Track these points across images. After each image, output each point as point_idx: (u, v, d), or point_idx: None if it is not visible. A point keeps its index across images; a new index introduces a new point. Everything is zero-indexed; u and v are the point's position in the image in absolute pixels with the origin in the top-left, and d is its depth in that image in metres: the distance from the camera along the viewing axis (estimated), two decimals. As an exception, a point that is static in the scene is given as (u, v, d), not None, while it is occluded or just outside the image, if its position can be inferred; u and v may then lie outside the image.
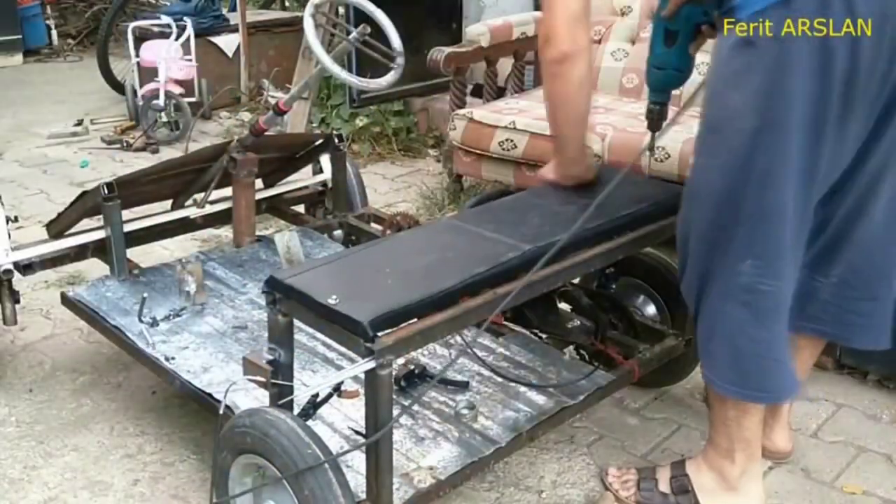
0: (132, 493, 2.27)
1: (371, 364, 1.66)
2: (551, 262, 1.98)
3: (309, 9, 2.44)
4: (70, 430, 2.52)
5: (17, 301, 2.69)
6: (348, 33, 2.54)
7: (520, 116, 3.79)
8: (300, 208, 3.30)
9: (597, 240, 2.10)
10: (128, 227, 2.73)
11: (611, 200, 2.26)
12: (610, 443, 2.45)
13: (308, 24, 2.43)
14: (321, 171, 3.25)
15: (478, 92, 4.43)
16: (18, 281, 2.67)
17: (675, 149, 3.37)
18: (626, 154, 3.49)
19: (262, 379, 1.83)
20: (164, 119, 5.10)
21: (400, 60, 2.55)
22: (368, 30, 2.52)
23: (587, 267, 2.13)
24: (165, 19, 5.40)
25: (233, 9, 6.27)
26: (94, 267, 2.97)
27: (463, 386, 2.27)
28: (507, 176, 3.87)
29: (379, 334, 1.67)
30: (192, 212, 2.96)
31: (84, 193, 2.70)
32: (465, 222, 2.14)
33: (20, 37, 7.14)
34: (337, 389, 1.88)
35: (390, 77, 2.57)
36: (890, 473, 2.35)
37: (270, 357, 1.85)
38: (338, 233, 3.09)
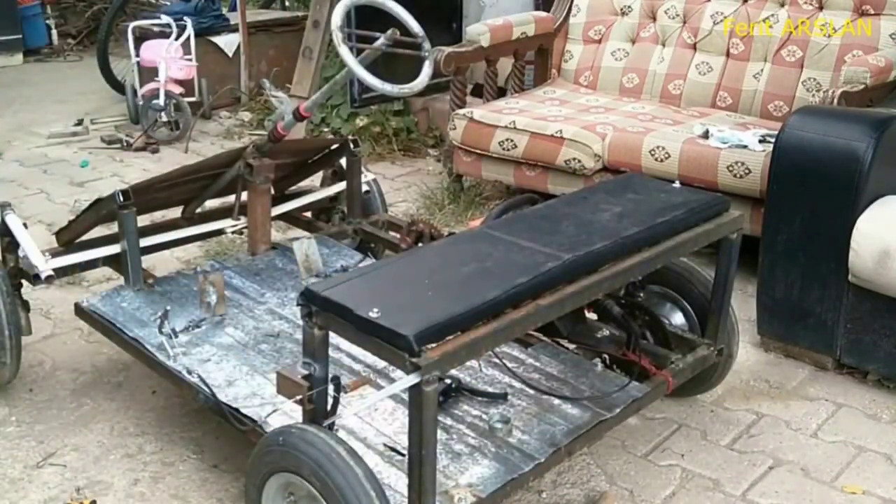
0: (132, 493, 2.27)
1: (416, 379, 1.62)
2: (592, 272, 1.95)
3: (337, 35, 2.35)
4: (70, 430, 2.51)
5: (28, 309, 2.70)
6: (373, 40, 2.50)
7: (520, 116, 3.79)
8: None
9: (637, 248, 2.06)
10: (151, 241, 2.73)
11: (645, 208, 2.21)
12: (610, 443, 2.45)
13: (343, 50, 2.34)
14: (333, 174, 3.22)
15: (478, 92, 4.42)
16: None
17: (675, 149, 3.38)
18: (625, 154, 3.49)
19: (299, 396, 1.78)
20: (164, 119, 5.10)
21: (427, 45, 2.47)
22: (398, 33, 2.48)
23: (628, 276, 2.08)
24: (165, 19, 5.40)
25: (233, 8, 6.26)
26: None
27: (501, 398, 2.22)
28: (507, 176, 3.87)
29: (424, 349, 1.63)
30: (226, 224, 2.94)
31: (98, 201, 2.67)
32: (497, 231, 2.09)
33: (20, 37, 7.13)
34: (338, 388, 1.86)
35: (427, 69, 2.47)
36: (890, 473, 2.35)
37: (305, 372, 1.80)
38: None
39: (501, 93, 4.41)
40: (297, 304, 1.81)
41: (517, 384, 2.30)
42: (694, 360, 2.38)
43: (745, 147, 3.27)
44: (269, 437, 1.87)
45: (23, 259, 2.64)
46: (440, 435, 2.05)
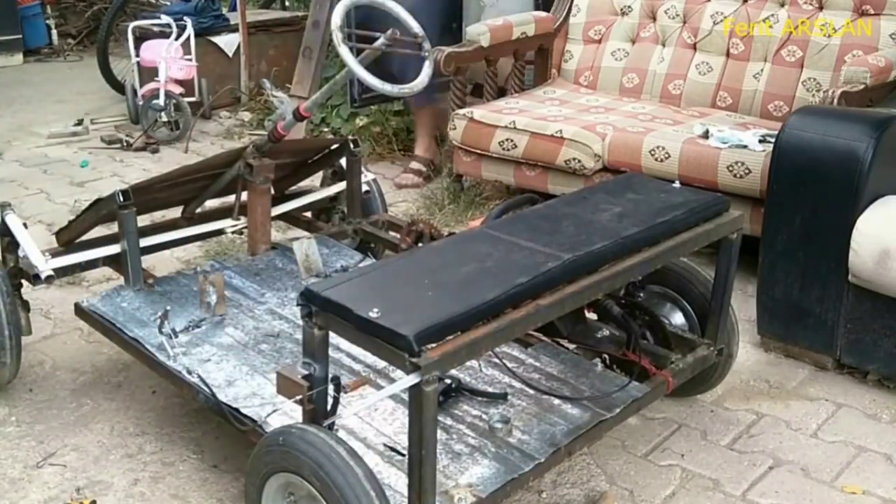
0: (132, 493, 2.27)
1: (416, 379, 1.62)
2: (592, 272, 1.95)
3: (337, 35, 2.36)
4: (70, 430, 2.51)
5: (28, 309, 2.70)
6: (372, 40, 2.50)
7: (520, 116, 3.79)
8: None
9: (637, 248, 2.06)
10: (151, 241, 2.72)
11: (645, 208, 2.21)
12: (610, 442, 2.45)
13: (343, 50, 2.35)
14: (333, 174, 3.22)
15: (478, 92, 4.42)
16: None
17: (675, 149, 3.38)
18: (625, 154, 3.49)
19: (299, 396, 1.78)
20: (164, 119, 5.10)
21: (426, 45, 2.47)
22: (398, 33, 2.48)
23: (628, 276, 2.08)
24: (165, 19, 5.40)
25: (233, 8, 6.26)
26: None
27: (501, 398, 2.22)
28: (507, 176, 3.87)
29: (424, 349, 1.63)
30: (226, 224, 2.94)
31: (98, 200, 2.67)
32: (497, 231, 2.09)
33: (20, 37, 7.13)
34: (338, 388, 1.86)
35: (427, 69, 2.47)
36: (890, 473, 2.35)
37: (305, 372, 1.80)
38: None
39: (501, 93, 4.41)
40: (297, 304, 1.81)
41: (517, 384, 2.29)
42: (694, 360, 2.38)
43: (745, 147, 3.27)
44: (269, 437, 1.86)
45: (23, 259, 2.63)
46: (440, 435, 2.04)
